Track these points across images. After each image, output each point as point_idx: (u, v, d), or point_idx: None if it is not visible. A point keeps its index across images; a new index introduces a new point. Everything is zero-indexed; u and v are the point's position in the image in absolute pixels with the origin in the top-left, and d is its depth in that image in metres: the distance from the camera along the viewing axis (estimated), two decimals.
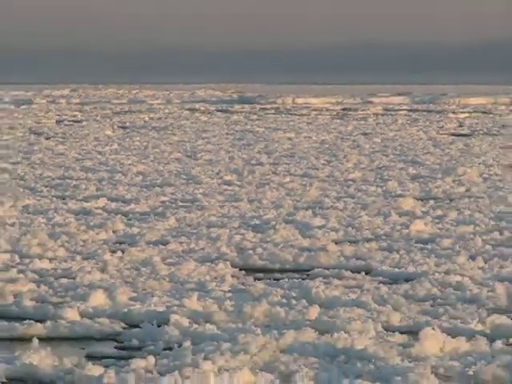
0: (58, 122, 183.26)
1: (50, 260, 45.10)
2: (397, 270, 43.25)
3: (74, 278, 40.81)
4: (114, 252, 47.63)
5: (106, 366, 26.70)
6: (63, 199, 72.15)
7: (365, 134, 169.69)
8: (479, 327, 33.74)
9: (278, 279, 41.18)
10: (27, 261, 45.49)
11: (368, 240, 52.32)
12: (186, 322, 32.92)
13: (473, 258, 45.68)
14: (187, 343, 29.28)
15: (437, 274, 41.99)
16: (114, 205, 66.54)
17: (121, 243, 51.86)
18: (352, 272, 42.08)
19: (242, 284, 39.69)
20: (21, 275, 41.24)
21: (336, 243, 50.58)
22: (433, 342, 29.56)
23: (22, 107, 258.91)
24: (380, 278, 41.48)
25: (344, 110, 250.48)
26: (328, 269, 43.00)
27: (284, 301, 36.62)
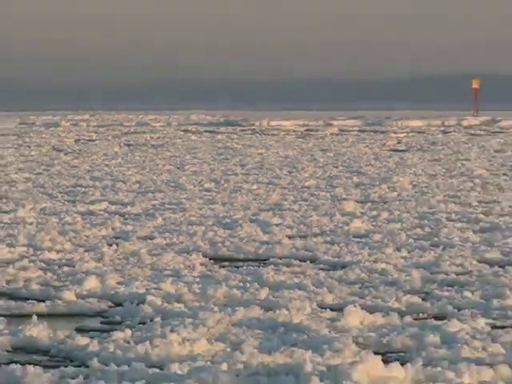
0: (76, 140, 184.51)
1: (58, 252, 45.54)
2: (336, 259, 43.76)
3: (74, 266, 41.51)
4: (110, 245, 48.14)
5: (92, 337, 27.13)
6: (73, 203, 72.24)
7: (322, 150, 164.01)
8: (395, 305, 33.90)
9: (238, 267, 41.94)
10: (39, 253, 45.65)
11: (315, 235, 52.93)
12: (159, 301, 33.36)
13: (398, 249, 46.34)
14: (158, 319, 29.51)
15: (367, 263, 42.51)
16: (114, 207, 67.11)
17: (117, 238, 52.23)
18: (300, 261, 42.57)
19: (209, 271, 40.41)
20: (32, 264, 41.75)
21: (289, 238, 51.04)
22: (354, 317, 29.80)
23: (50, 129, 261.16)
24: (321, 266, 41.96)
25: (307, 130, 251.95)
26: (281, 258, 43.50)
27: (241, 284, 37.44)
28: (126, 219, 62.14)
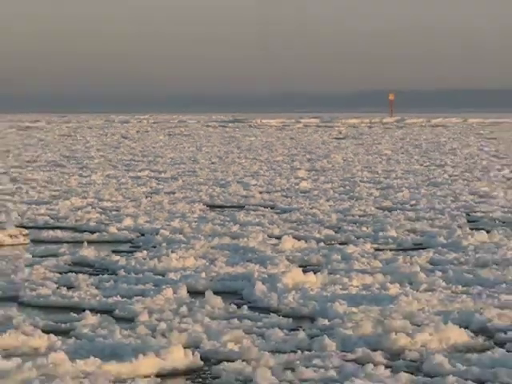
0: (137, 132, 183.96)
1: (112, 202, 46.47)
2: (287, 206, 44.54)
3: (119, 211, 42.07)
4: (146, 198, 48.47)
5: (122, 256, 28.16)
6: (127, 171, 71.88)
7: (290, 138, 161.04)
8: (317, 236, 33.68)
9: (223, 211, 42.90)
10: (100, 202, 46.17)
11: (277, 191, 53.33)
12: (167, 233, 33.99)
13: (327, 200, 46.73)
14: (164, 244, 30.81)
15: (306, 209, 42.96)
16: (153, 174, 67.06)
17: (151, 193, 52.13)
18: (264, 208, 43.29)
19: (204, 214, 40.81)
20: (93, 209, 42.33)
21: (260, 193, 51.81)
22: (288, 243, 30.42)
23: (123, 124, 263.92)
24: (277, 211, 42.67)
25: (283, 125, 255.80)
26: (252, 206, 44.12)
27: (221, 222, 37.87)
28: (159, 181, 62.47)
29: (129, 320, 19.04)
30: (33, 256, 30.32)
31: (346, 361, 15.46)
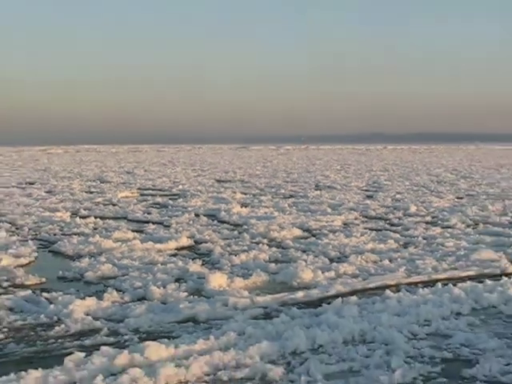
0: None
1: (179, 180, 47.86)
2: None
3: (177, 183, 44.57)
4: (190, 178, 50.44)
5: (171, 200, 31.76)
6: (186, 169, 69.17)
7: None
8: (254, 191, 35.77)
9: (223, 184, 42.83)
10: (175, 180, 47.79)
11: (256, 176, 52.52)
12: (191, 191, 36.70)
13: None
14: (188, 196, 33.89)
15: (259, 183, 42.15)
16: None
17: (197, 176, 53.33)
18: (245, 182, 43.67)
19: (213, 185, 41.42)
20: (170, 182, 44.49)
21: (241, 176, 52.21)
22: (238, 195, 32.72)
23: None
24: (248, 184, 42.50)
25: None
26: (240, 181, 44.48)
27: (221, 189, 38.49)
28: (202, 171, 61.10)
29: (168, 226, 22.56)
30: (136, 200, 32.71)
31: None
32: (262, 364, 8.18)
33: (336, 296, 11.84)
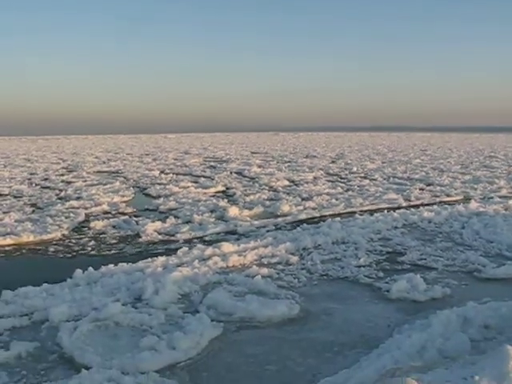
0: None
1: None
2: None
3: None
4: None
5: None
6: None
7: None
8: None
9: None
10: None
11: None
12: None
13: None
14: (224, 166, 31.83)
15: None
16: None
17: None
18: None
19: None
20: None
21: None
22: (254, 169, 27.89)
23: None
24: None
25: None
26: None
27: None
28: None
29: (213, 179, 22.97)
30: (199, 164, 32.24)
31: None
32: (286, 254, 8.98)
33: (302, 221, 12.83)
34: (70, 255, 9.66)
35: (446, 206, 14.19)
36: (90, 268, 7.88)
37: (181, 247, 9.72)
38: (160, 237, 11.02)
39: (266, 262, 8.67)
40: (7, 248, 10.21)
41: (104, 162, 34.25)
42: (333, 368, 4.78)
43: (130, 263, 8.33)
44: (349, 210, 14.38)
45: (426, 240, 10.33)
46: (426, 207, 14.02)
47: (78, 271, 7.73)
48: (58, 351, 5.16)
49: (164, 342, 5.14)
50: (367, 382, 3.84)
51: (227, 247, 9.28)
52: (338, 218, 12.47)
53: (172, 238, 11.00)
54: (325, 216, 13.38)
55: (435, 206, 14.08)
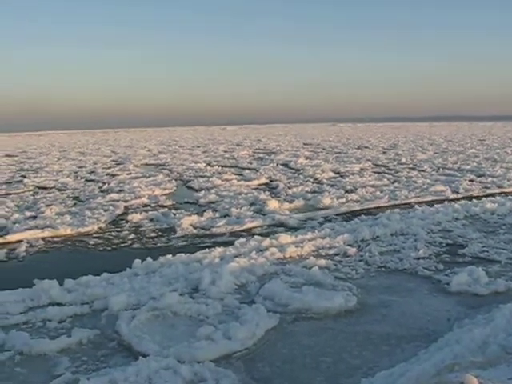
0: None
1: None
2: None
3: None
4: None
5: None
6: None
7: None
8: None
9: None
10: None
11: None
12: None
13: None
14: (271, 157, 32.33)
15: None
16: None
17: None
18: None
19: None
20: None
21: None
22: (300, 160, 29.54)
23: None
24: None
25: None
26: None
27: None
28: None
29: (257, 171, 23.11)
30: (248, 156, 32.27)
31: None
32: (343, 246, 8.93)
33: (345, 213, 12.68)
34: (109, 248, 9.88)
35: (511, 196, 13.83)
36: (149, 258, 8.03)
37: (215, 241, 9.93)
38: (195, 231, 10.89)
39: (323, 254, 8.61)
40: (50, 240, 10.55)
41: (154, 155, 34.69)
42: (389, 361, 4.71)
43: (188, 254, 8.43)
44: (392, 202, 13.92)
45: (489, 232, 10.00)
46: (489, 198, 13.66)
47: (137, 261, 7.89)
48: (117, 339, 5.29)
49: (220, 332, 5.21)
50: (425, 377, 3.74)
51: (284, 238, 9.28)
52: (398, 209, 12.29)
53: (207, 232, 10.88)
54: (367, 209, 13.08)
55: (498, 197, 13.67)
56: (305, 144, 44.51)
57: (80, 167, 26.73)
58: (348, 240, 9.31)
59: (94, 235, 10.77)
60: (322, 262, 7.87)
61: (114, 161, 30.63)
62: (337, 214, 12.51)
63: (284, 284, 6.67)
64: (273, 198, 14.64)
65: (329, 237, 9.44)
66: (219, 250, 8.60)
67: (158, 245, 9.97)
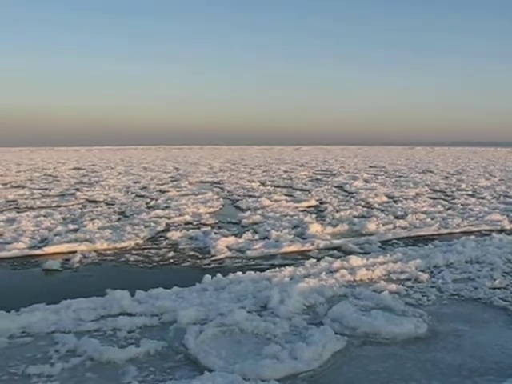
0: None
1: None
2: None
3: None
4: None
5: None
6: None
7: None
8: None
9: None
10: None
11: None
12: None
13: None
14: (328, 179, 32.36)
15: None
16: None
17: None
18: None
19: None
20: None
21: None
22: (356, 183, 29.03)
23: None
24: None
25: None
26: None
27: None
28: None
29: (309, 192, 22.97)
30: (306, 176, 32.11)
31: None
32: (415, 271, 8.71)
33: (386, 241, 12.15)
34: (144, 264, 9.97)
35: None
36: (219, 274, 8.23)
37: (247, 264, 9.86)
38: (229, 253, 10.74)
39: (394, 278, 8.48)
40: (87, 254, 10.76)
41: (214, 172, 35.07)
42: None
43: (258, 272, 8.54)
44: (442, 231, 13.32)
45: None
46: None
47: (207, 277, 8.08)
48: (184, 352, 5.37)
49: (286, 352, 5.19)
50: None
51: (355, 261, 9.28)
52: (473, 236, 11.95)
53: (241, 254, 10.70)
54: (414, 237, 12.69)
55: None
56: (370, 167, 44.22)
57: (135, 182, 27.30)
58: (420, 265, 9.11)
59: (132, 251, 10.97)
60: (393, 286, 7.74)
61: (171, 177, 31.24)
62: (381, 241, 12.18)
63: (353, 307, 6.62)
64: (317, 221, 14.37)
65: (400, 261, 9.32)
66: (289, 269, 8.68)
67: (190, 264, 10.04)
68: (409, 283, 8.15)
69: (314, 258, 9.94)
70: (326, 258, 9.47)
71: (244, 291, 7.37)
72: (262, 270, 8.86)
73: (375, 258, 9.44)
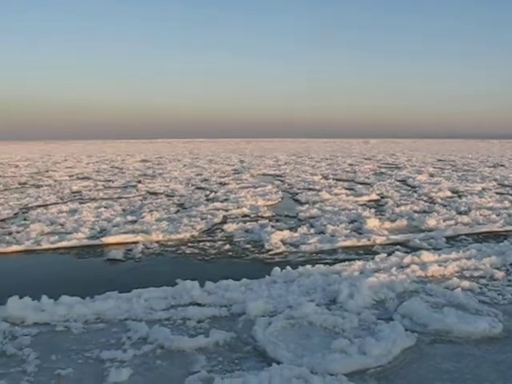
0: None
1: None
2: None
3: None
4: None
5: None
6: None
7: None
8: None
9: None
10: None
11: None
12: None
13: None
14: (393, 173, 31.71)
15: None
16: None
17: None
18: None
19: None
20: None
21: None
22: (421, 177, 28.29)
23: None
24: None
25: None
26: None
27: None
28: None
29: (371, 186, 22.59)
30: (370, 170, 31.81)
31: None
32: (490, 269, 8.35)
33: (453, 237, 11.69)
34: (196, 257, 9.92)
35: None
36: (288, 267, 8.22)
37: (300, 258, 9.69)
38: (284, 247, 10.48)
39: (467, 275, 8.14)
40: (152, 245, 10.86)
41: (278, 165, 34.92)
42: None
43: (327, 265, 8.47)
44: (508, 228, 12.58)
45: None
46: None
47: (276, 269, 8.09)
48: (252, 343, 5.40)
49: (355, 347, 5.12)
50: None
51: (427, 256, 9.07)
52: None
53: (295, 249, 10.44)
54: (476, 233, 12.09)
55: None
56: (438, 160, 43.02)
57: (197, 175, 27.40)
58: (495, 263, 8.75)
59: (188, 243, 10.94)
60: (466, 283, 7.47)
61: (234, 170, 31.28)
62: (446, 237, 11.74)
63: (424, 303, 6.44)
64: (376, 215, 13.94)
65: (474, 258, 9.02)
66: (359, 263, 8.57)
67: (241, 258, 9.93)
68: (483, 281, 7.81)
69: (379, 253, 9.73)
70: (397, 252, 9.26)
71: (313, 284, 7.32)
72: (331, 264, 8.71)
73: (448, 254, 9.19)
